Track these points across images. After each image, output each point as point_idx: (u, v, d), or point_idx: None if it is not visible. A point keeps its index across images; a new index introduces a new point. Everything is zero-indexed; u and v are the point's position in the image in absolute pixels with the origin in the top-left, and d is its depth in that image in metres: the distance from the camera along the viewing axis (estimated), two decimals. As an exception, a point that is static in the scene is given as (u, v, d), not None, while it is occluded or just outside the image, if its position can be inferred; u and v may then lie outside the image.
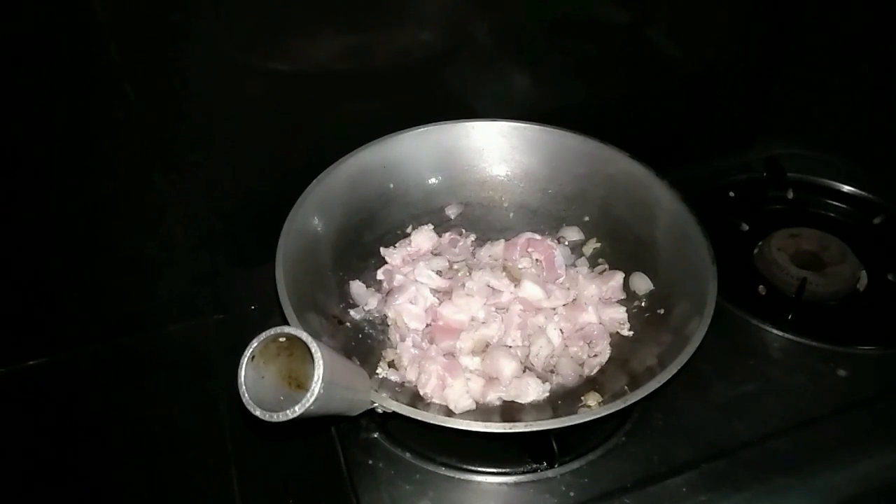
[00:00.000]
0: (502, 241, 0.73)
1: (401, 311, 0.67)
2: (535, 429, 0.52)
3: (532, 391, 0.61)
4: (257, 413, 0.44)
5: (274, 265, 0.61)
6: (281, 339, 0.47)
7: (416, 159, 0.76)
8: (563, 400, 0.61)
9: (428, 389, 0.61)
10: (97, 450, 0.67)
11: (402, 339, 0.66)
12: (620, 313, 0.68)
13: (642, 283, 0.70)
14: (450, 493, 0.59)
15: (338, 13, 0.67)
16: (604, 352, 0.65)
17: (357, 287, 0.70)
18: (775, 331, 0.72)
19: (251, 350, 0.46)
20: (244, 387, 0.45)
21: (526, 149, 0.77)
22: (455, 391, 0.60)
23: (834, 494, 0.60)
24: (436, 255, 0.74)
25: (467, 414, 0.60)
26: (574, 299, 0.68)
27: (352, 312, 0.69)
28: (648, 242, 0.71)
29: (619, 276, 0.70)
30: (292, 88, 0.70)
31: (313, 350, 0.45)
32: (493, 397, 0.61)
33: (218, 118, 0.69)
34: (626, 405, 0.53)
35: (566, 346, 0.66)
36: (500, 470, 0.60)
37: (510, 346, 0.65)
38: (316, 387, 0.44)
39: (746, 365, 0.69)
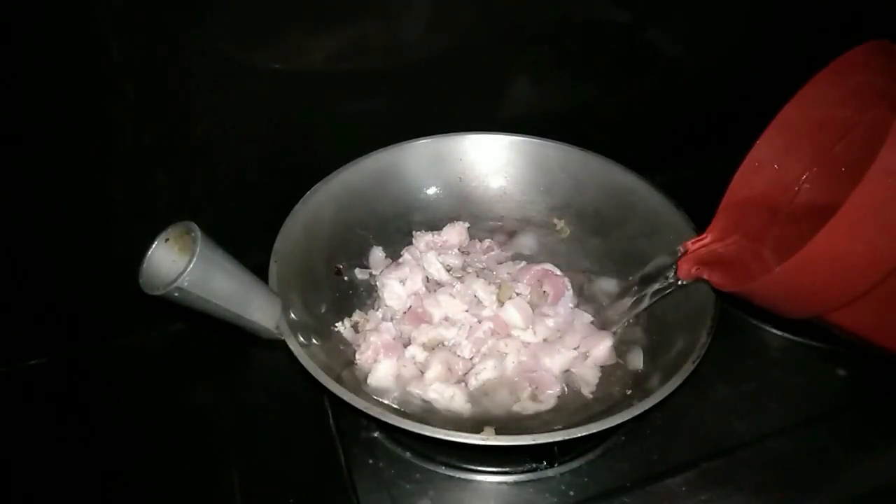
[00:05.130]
0: (524, 262, 0.73)
1: (385, 284, 0.68)
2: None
3: (446, 401, 0.60)
4: (140, 282, 0.49)
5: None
6: (192, 234, 0.50)
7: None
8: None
9: (362, 357, 0.63)
10: (97, 450, 0.67)
11: (376, 310, 0.68)
12: (593, 374, 0.64)
13: (635, 360, 0.64)
14: (450, 493, 0.59)
15: (337, 14, 0.67)
16: (548, 402, 0.62)
17: (377, 252, 0.73)
18: (775, 330, 0.72)
19: (165, 233, 0.50)
20: (146, 261, 0.50)
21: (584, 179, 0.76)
22: (381, 368, 0.62)
23: (834, 494, 0.60)
24: (462, 252, 0.74)
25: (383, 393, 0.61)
26: (555, 341, 0.66)
27: (356, 270, 0.71)
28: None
29: (607, 341, 0.65)
30: (292, 88, 0.70)
31: (194, 234, 0.48)
32: (414, 391, 0.61)
33: (218, 118, 0.69)
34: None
35: (515, 379, 0.63)
36: (499, 469, 0.60)
37: (458, 355, 0.64)
38: (190, 265, 0.47)
39: (746, 365, 0.69)
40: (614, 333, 0.67)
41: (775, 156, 0.60)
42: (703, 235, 0.62)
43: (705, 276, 0.58)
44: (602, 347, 0.65)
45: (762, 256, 0.60)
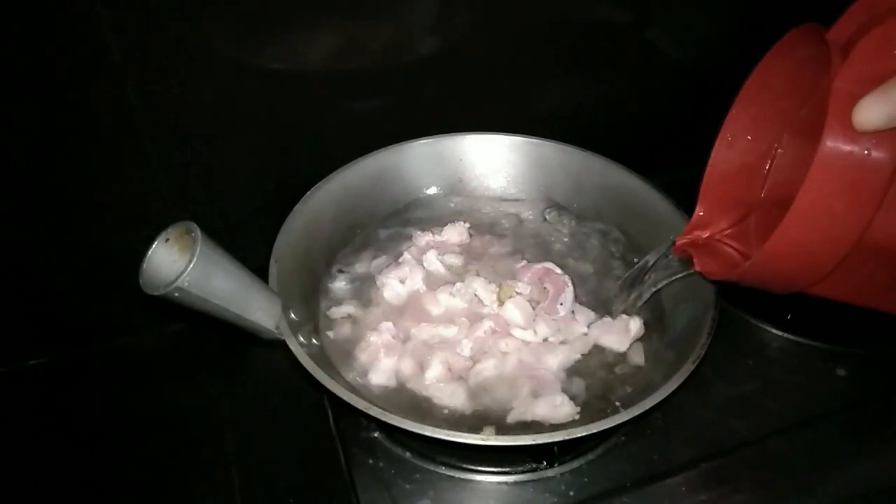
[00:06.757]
0: (524, 261, 0.73)
1: (385, 283, 0.68)
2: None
3: (446, 398, 0.60)
4: (140, 282, 0.49)
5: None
6: (192, 234, 0.50)
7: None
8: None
9: (362, 357, 0.63)
10: (97, 450, 0.67)
11: (376, 306, 0.68)
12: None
13: (636, 356, 0.64)
14: (450, 493, 0.59)
15: (337, 14, 0.67)
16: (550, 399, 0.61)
17: (377, 253, 0.73)
18: (775, 330, 0.72)
19: (165, 233, 0.51)
20: (147, 261, 0.50)
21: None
22: (381, 367, 0.62)
23: (834, 494, 0.60)
24: (463, 251, 0.74)
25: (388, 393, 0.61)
26: (563, 341, 0.66)
27: (356, 269, 0.72)
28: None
29: (635, 321, 0.65)
30: (292, 88, 0.70)
31: (194, 234, 0.49)
32: (414, 386, 0.61)
33: (218, 118, 0.69)
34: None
35: (516, 378, 0.63)
36: (499, 469, 0.60)
37: (458, 354, 0.64)
38: (190, 265, 0.47)
39: (746, 365, 0.69)
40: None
41: (746, 127, 0.62)
42: (691, 221, 0.63)
43: (695, 265, 0.60)
44: (635, 324, 0.65)
45: (747, 237, 0.62)
